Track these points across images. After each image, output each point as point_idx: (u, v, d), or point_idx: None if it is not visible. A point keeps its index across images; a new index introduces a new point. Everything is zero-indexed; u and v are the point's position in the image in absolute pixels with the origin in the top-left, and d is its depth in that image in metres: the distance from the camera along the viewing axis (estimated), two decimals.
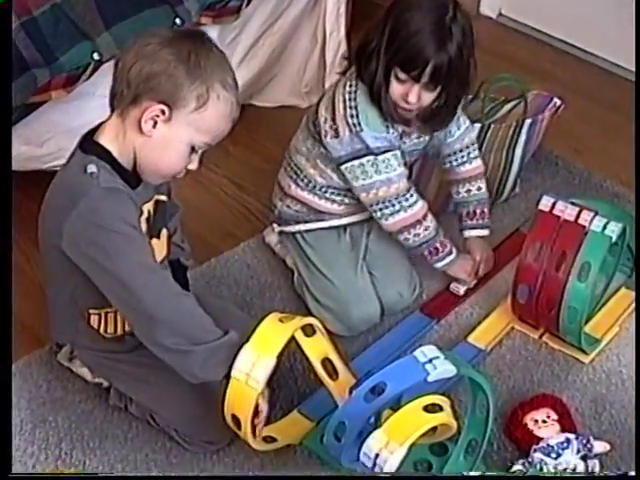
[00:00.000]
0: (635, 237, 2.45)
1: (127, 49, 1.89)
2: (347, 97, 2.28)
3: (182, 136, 1.89)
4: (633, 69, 3.35)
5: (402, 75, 2.19)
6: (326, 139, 2.32)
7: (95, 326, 2.11)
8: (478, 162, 2.54)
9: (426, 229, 2.39)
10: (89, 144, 1.95)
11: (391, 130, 2.30)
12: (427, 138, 2.42)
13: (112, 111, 1.93)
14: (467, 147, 2.52)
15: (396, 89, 2.22)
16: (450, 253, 2.44)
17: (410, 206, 2.36)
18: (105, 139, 1.94)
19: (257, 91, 3.19)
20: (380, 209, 2.36)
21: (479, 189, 2.54)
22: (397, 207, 2.35)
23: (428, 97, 2.24)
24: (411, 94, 2.21)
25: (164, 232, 2.12)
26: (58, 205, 1.94)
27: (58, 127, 2.62)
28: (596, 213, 2.26)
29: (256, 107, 3.20)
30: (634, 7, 3.19)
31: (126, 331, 2.12)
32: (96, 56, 2.53)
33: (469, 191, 2.53)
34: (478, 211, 2.54)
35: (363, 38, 2.26)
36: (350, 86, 2.29)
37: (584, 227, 2.25)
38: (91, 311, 2.09)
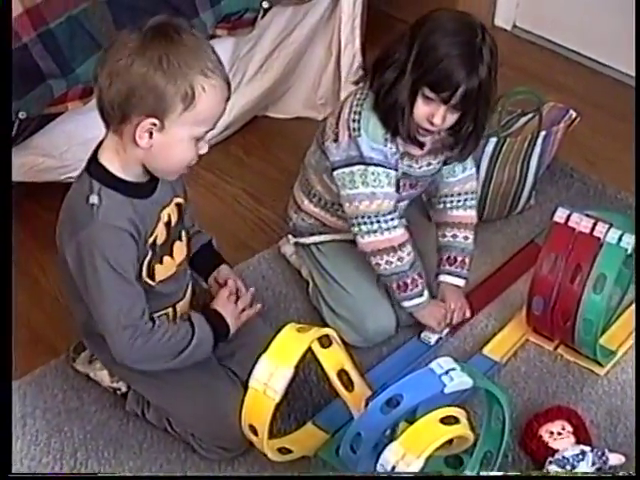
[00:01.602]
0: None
1: (100, 69, 1.84)
2: (354, 103, 2.26)
3: (181, 135, 1.87)
4: None
5: (431, 95, 2.16)
6: (326, 143, 2.30)
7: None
8: (472, 212, 2.49)
9: (400, 259, 2.32)
10: (94, 165, 1.94)
11: (389, 145, 2.26)
12: (438, 166, 2.39)
13: (107, 127, 1.92)
14: (466, 193, 2.47)
15: (422, 109, 2.18)
16: (420, 295, 2.37)
17: (388, 229, 2.29)
18: (106, 158, 1.93)
19: (272, 102, 3.20)
20: (358, 224, 2.30)
21: (466, 238, 2.47)
22: (375, 227, 2.29)
23: (452, 119, 2.20)
24: (437, 115, 2.18)
25: (184, 234, 2.12)
26: (63, 226, 1.97)
27: (75, 138, 2.63)
28: (611, 225, 2.26)
29: (271, 118, 3.21)
30: (634, 16, 3.19)
31: None
32: None
33: (455, 236, 2.47)
34: (459, 259, 2.46)
35: (383, 52, 2.23)
36: (360, 94, 2.27)
37: (599, 239, 2.25)
38: None
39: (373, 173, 2.26)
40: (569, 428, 2.16)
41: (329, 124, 2.32)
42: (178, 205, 2.07)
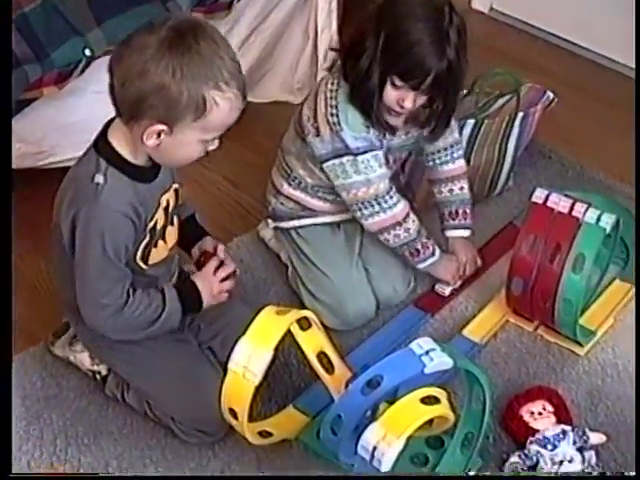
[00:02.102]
0: (635, 234, 2.47)
1: (115, 63, 1.85)
2: (328, 95, 2.27)
3: (190, 139, 1.88)
4: (625, 62, 3.35)
5: (400, 83, 2.17)
6: (308, 137, 2.31)
7: None
8: (461, 162, 2.52)
9: (406, 231, 2.37)
10: (102, 143, 1.95)
11: (372, 130, 2.28)
12: (416, 134, 2.40)
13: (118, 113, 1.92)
14: (451, 146, 2.49)
15: (391, 95, 2.20)
16: (432, 255, 2.43)
17: (390, 208, 2.34)
18: (116, 140, 1.93)
19: (249, 87, 3.14)
20: (359, 209, 2.35)
21: (461, 189, 2.52)
22: (376, 208, 2.34)
23: (422, 100, 2.22)
24: (407, 100, 2.20)
25: (175, 219, 2.12)
26: (63, 195, 1.97)
27: (51, 124, 2.61)
28: (589, 205, 2.26)
29: (248, 103, 3.15)
30: (634, 6, 3.18)
31: None
32: (87, 52, 2.52)
33: (451, 191, 2.51)
34: (460, 211, 2.51)
35: (353, 38, 2.23)
36: (332, 84, 2.28)
37: (578, 219, 2.25)
38: None
39: (363, 161, 2.28)
40: (550, 408, 2.17)
41: (306, 117, 2.32)
42: (176, 191, 2.08)
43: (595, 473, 2.05)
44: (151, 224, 1.99)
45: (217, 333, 2.22)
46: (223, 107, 1.84)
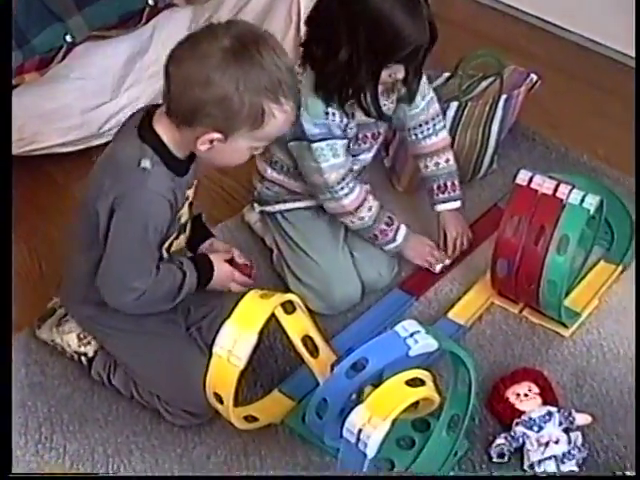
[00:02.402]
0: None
1: (173, 66, 1.87)
2: None
3: (241, 146, 1.93)
4: (609, 44, 3.34)
5: (392, 64, 2.18)
6: None
7: None
8: (444, 134, 2.52)
9: (360, 219, 2.38)
10: (146, 131, 1.95)
11: (331, 117, 2.27)
12: (392, 106, 2.39)
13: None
14: (433, 119, 2.49)
15: (384, 75, 2.20)
16: (392, 241, 2.43)
17: (340, 198, 2.35)
18: (162, 129, 1.95)
19: None
20: (315, 192, 2.38)
21: (447, 161, 2.52)
22: (328, 196, 2.36)
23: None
24: (399, 73, 2.21)
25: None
26: (102, 176, 1.97)
27: (32, 111, 2.61)
28: (573, 186, 2.25)
29: None
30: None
31: None
32: (69, 38, 2.51)
33: (437, 164, 2.51)
34: (449, 184, 2.52)
35: (320, 30, 2.21)
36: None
37: (562, 200, 2.24)
38: None
39: (317, 149, 2.28)
40: (535, 390, 2.17)
41: None
42: (196, 186, 2.11)
43: (581, 455, 2.06)
44: (177, 216, 2.03)
45: (205, 315, 2.24)
46: (279, 119, 1.89)
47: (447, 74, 2.68)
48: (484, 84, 2.73)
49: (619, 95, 3.10)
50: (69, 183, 2.84)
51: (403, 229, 2.44)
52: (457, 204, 2.54)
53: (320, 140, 2.27)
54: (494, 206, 2.72)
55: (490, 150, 2.76)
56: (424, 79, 2.39)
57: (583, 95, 3.17)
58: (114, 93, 2.76)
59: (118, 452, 2.12)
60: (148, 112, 1.98)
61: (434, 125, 2.49)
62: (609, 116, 3.03)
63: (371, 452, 1.73)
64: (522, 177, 2.31)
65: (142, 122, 1.97)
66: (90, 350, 2.24)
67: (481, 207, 2.73)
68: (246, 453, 2.12)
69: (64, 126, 2.71)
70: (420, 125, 2.48)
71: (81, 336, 2.24)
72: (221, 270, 2.13)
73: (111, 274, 2.00)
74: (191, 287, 2.07)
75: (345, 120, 2.29)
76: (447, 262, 2.52)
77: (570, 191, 2.24)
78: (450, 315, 2.41)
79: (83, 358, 2.25)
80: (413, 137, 2.51)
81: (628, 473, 2.05)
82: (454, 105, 2.60)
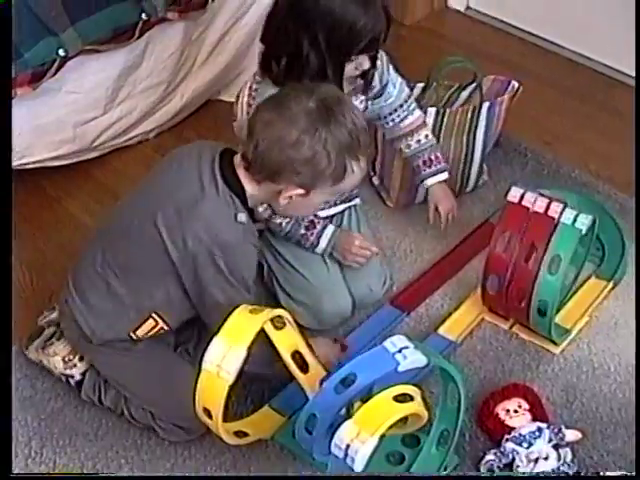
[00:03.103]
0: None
1: (261, 129, 1.94)
2: (246, 93, 2.34)
3: (319, 200, 2.05)
4: (601, 60, 3.35)
5: (355, 57, 2.20)
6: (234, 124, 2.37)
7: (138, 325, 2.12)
8: (418, 112, 2.54)
9: (279, 225, 2.40)
10: (232, 179, 2.00)
11: None
12: (364, 105, 2.41)
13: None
14: (405, 101, 2.51)
15: (349, 68, 2.22)
16: (316, 245, 2.42)
17: None
18: (245, 181, 2.01)
19: (225, 86, 3.18)
20: None
21: (427, 137, 2.55)
22: None
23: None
24: (364, 63, 2.23)
25: None
26: (189, 223, 1.98)
27: (24, 125, 2.61)
28: (566, 205, 2.26)
29: (224, 102, 3.18)
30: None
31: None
32: (62, 52, 2.52)
33: (419, 141, 2.54)
34: (433, 157, 2.54)
35: (278, 43, 2.21)
36: (252, 87, 2.33)
37: (554, 219, 2.25)
38: (154, 315, 2.11)
39: None
40: (525, 405, 2.17)
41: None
42: None
43: (571, 470, 2.06)
44: None
45: (192, 337, 2.27)
46: (357, 174, 2.00)
47: (421, 85, 2.68)
48: (464, 94, 2.72)
49: (611, 111, 3.10)
50: (61, 196, 2.84)
51: (328, 233, 2.42)
52: (445, 175, 2.56)
53: None
54: (485, 221, 2.72)
55: (477, 160, 2.75)
56: (391, 67, 2.42)
57: (575, 110, 3.17)
58: (107, 107, 2.77)
59: (108, 466, 2.13)
60: (222, 154, 2.02)
61: (408, 107, 2.52)
62: (601, 132, 3.03)
63: (359, 467, 1.74)
64: (513, 194, 2.31)
65: (223, 168, 2.00)
66: (76, 373, 2.23)
67: (472, 222, 2.73)
68: (236, 468, 2.12)
69: (56, 140, 2.72)
70: (395, 110, 2.51)
71: (66, 359, 2.24)
72: None
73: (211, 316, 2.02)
74: None
75: None
76: (375, 250, 2.47)
77: (563, 210, 2.24)
78: (441, 331, 2.41)
79: (71, 380, 2.25)
80: (390, 123, 2.53)
81: (627, 473, 2.07)
82: (432, 111, 2.60)
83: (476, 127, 2.67)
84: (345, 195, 2.41)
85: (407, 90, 2.51)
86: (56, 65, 2.53)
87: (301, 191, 1.97)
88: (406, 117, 2.52)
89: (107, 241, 2.11)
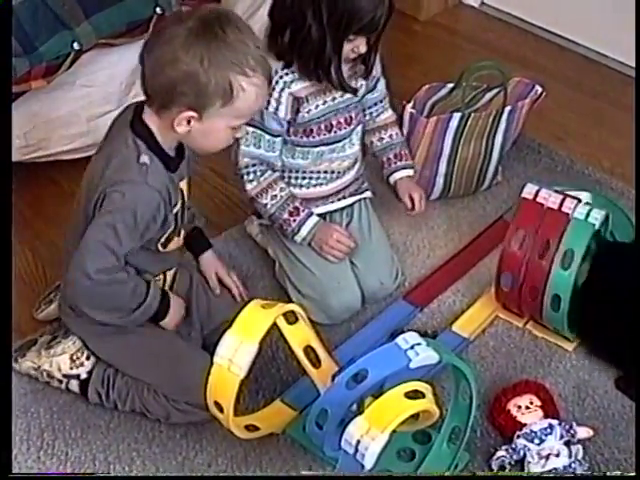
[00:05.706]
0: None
1: (146, 55, 1.95)
2: None
3: (218, 126, 1.98)
4: (615, 57, 3.35)
5: (353, 37, 2.21)
6: None
7: None
8: (390, 111, 2.60)
9: (264, 206, 2.39)
10: (140, 126, 2.01)
11: (278, 111, 2.32)
12: (362, 90, 2.42)
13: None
14: (385, 97, 2.56)
15: (346, 49, 2.23)
16: (297, 232, 2.40)
17: (243, 182, 2.41)
18: (152, 122, 2.01)
19: None
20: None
21: (397, 134, 2.59)
22: (237, 176, 2.42)
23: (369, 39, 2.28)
24: (361, 45, 2.24)
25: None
26: (102, 171, 1.99)
27: (38, 118, 2.62)
28: (579, 200, 2.25)
29: None
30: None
31: None
32: (76, 46, 2.52)
33: (391, 136, 2.58)
34: (403, 152, 2.58)
35: (287, 20, 2.23)
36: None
37: (567, 215, 2.25)
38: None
39: (248, 132, 2.29)
40: (537, 402, 2.17)
41: None
42: (188, 182, 2.16)
43: (582, 468, 2.06)
44: (174, 210, 2.07)
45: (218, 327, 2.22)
46: (250, 92, 1.93)
47: (450, 85, 2.68)
48: (488, 96, 2.73)
49: (624, 107, 3.09)
50: (74, 190, 2.83)
51: (310, 222, 2.42)
52: (412, 172, 2.58)
53: (250, 124, 2.26)
54: (499, 218, 2.72)
55: (493, 162, 2.76)
56: (377, 59, 2.42)
57: (589, 107, 3.17)
58: (120, 101, 2.76)
59: (119, 459, 2.12)
60: (137, 107, 2.04)
61: (383, 105, 2.57)
62: (614, 128, 3.03)
63: (369, 463, 1.74)
64: (528, 191, 2.31)
65: (134, 116, 2.02)
66: (83, 371, 2.21)
67: (486, 219, 2.73)
68: (247, 462, 2.12)
69: (70, 133, 2.72)
70: (375, 104, 2.55)
71: (74, 357, 2.21)
72: (174, 316, 2.17)
73: (80, 256, 1.99)
74: (146, 311, 2.08)
75: (289, 116, 2.33)
76: (352, 245, 2.46)
77: (576, 205, 2.24)
78: (454, 328, 2.41)
79: (74, 382, 2.22)
80: (367, 116, 2.56)
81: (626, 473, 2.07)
82: (457, 116, 2.60)
83: (496, 130, 2.68)
84: (278, 132, 2.37)
85: (382, 83, 2.55)
86: (70, 59, 2.53)
87: (192, 113, 1.92)
88: (382, 112, 2.57)
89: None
